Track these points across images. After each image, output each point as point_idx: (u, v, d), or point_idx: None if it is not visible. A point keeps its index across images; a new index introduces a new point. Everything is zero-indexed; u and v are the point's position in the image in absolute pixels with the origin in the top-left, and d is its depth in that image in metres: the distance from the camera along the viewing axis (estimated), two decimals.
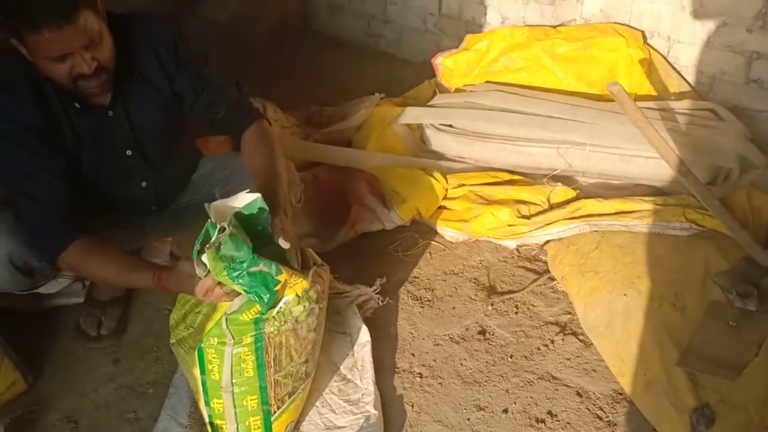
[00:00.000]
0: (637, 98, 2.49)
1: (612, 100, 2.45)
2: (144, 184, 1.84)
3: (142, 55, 1.66)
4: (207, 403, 1.47)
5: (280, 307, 1.40)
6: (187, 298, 1.51)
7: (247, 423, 1.47)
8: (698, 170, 2.09)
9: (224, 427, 1.48)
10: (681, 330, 1.68)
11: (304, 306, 1.43)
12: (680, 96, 2.56)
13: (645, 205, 2.08)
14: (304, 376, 1.53)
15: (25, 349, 1.84)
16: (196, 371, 1.44)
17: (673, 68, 2.65)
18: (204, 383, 1.44)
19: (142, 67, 1.67)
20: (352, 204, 2.28)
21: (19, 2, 1.39)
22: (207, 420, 1.51)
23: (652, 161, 2.22)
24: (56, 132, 1.60)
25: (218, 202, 1.38)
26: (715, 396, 1.51)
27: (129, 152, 1.75)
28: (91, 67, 1.49)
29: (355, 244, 2.23)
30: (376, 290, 1.92)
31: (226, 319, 1.39)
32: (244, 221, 1.36)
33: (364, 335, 1.80)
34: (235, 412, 1.45)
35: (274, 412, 1.48)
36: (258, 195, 1.37)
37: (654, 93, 2.60)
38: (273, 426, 1.50)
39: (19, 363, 1.78)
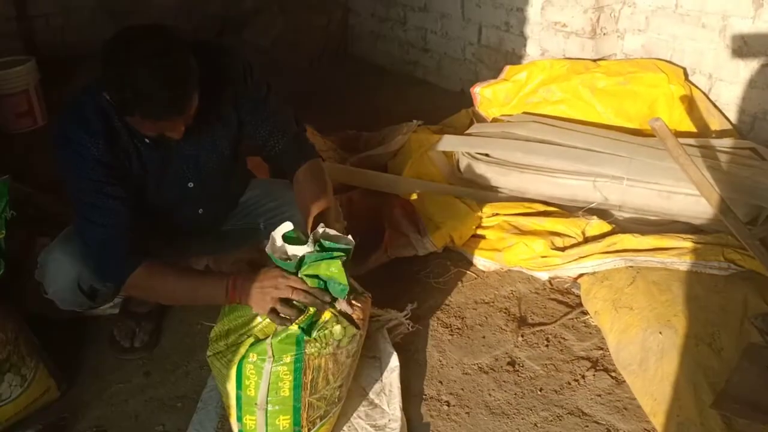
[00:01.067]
0: (678, 135, 2.47)
1: (651, 136, 2.44)
2: (200, 211, 1.87)
3: (217, 92, 1.65)
4: (239, 419, 1.48)
5: (320, 329, 1.42)
6: (234, 315, 1.52)
7: None
8: (738, 209, 2.06)
9: None
10: (717, 372, 1.64)
11: (344, 328, 1.44)
12: (721, 134, 2.54)
13: (682, 242, 2.05)
14: (337, 400, 1.53)
15: (60, 357, 1.88)
16: (231, 385, 1.45)
17: (715, 106, 2.63)
18: (239, 398, 1.45)
19: (216, 102, 1.67)
20: (385, 229, 2.30)
21: (142, 99, 1.41)
22: None
23: (691, 198, 2.19)
24: (122, 164, 1.62)
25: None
26: None
27: (191, 184, 1.77)
28: (181, 132, 1.54)
29: (387, 268, 2.23)
30: (406, 315, 1.91)
31: (272, 336, 1.42)
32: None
33: (394, 360, 1.80)
34: (267, 431, 1.46)
35: None
36: (291, 225, 1.49)
37: (694, 130, 2.58)
38: None
39: (53, 370, 1.82)
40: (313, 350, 1.41)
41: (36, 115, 3.23)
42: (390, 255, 2.25)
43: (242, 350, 1.43)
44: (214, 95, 1.63)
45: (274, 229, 1.60)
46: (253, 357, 1.41)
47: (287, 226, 1.48)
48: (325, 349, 1.42)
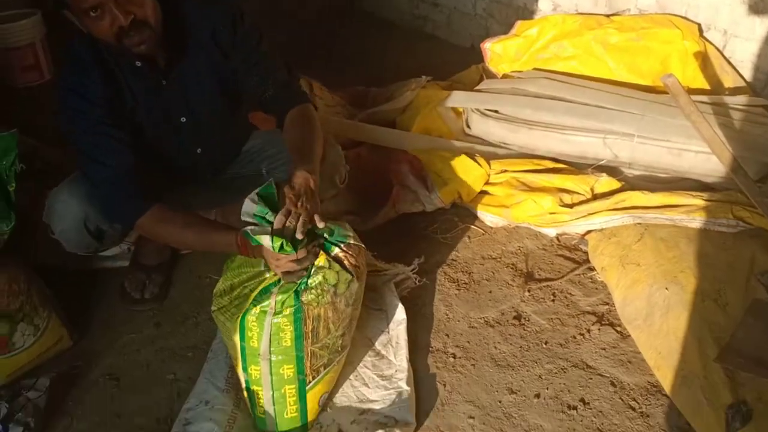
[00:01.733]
0: (690, 92, 2.43)
1: (663, 92, 2.40)
2: (199, 150, 1.89)
3: (199, 29, 1.70)
4: (245, 369, 1.51)
5: (316, 278, 1.44)
6: (239, 271, 1.54)
7: (282, 390, 1.50)
8: (749, 167, 2.04)
9: (260, 393, 1.52)
10: (722, 327, 1.65)
11: (337, 273, 1.46)
12: (734, 91, 2.50)
13: (692, 199, 2.04)
14: (339, 349, 1.56)
15: (72, 307, 1.91)
16: (236, 338, 1.48)
17: (729, 63, 2.58)
18: (243, 350, 1.48)
19: (199, 40, 1.71)
20: (393, 184, 2.29)
21: None
22: (244, 386, 1.55)
23: (702, 156, 2.17)
24: (119, 99, 1.66)
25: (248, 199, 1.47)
26: (753, 394, 1.49)
27: (183, 119, 1.80)
28: (126, 19, 1.51)
29: (394, 224, 2.24)
30: (413, 270, 1.92)
31: (274, 289, 1.44)
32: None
33: (400, 313, 1.82)
34: (272, 380, 1.49)
35: (309, 382, 1.51)
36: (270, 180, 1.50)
37: (707, 87, 2.54)
38: (307, 395, 1.53)
39: (65, 320, 1.85)
40: (311, 298, 1.43)
41: (42, 68, 3.20)
42: (398, 211, 2.25)
43: (245, 305, 1.46)
44: (197, 29, 1.69)
45: (275, 174, 1.60)
46: (255, 310, 1.44)
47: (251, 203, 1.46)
48: (323, 297, 1.44)
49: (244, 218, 1.44)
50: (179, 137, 1.83)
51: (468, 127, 2.58)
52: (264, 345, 1.45)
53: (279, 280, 1.47)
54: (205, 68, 1.75)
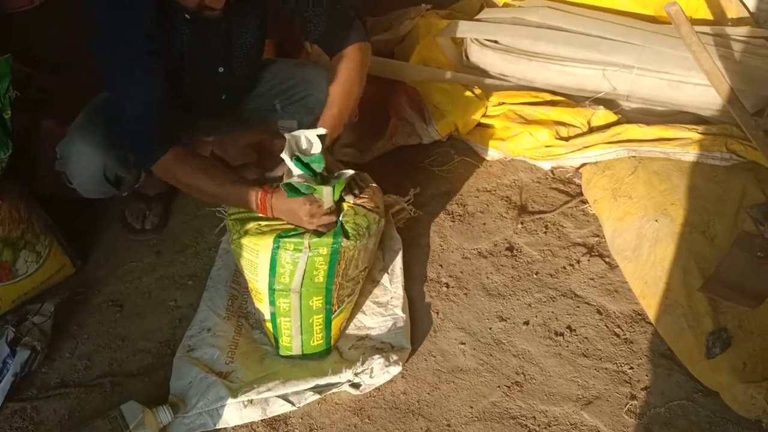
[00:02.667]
0: (693, 22, 2.38)
1: (666, 23, 2.36)
2: (224, 96, 1.84)
3: None
4: (272, 302, 1.54)
5: (350, 223, 1.49)
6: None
7: (310, 320, 1.56)
8: (747, 100, 2.02)
9: (288, 323, 1.56)
10: (708, 258, 1.69)
11: (365, 215, 1.51)
12: (737, 22, 2.45)
13: (687, 133, 2.05)
14: (360, 280, 1.62)
15: (74, 236, 1.95)
16: (262, 272, 1.49)
17: None
18: (271, 285, 1.51)
19: None
20: (391, 116, 2.29)
21: None
22: (267, 317, 1.58)
23: (700, 88, 2.15)
24: (165, 40, 1.57)
25: (296, 133, 1.46)
26: (734, 322, 1.54)
27: (221, 69, 1.73)
28: (221, 2, 1.48)
29: (391, 156, 2.25)
30: (408, 200, 1.95)
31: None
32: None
33: (396, 243, 1.86)
34: (301, 312, 1.54)
35: (335, 311, 1.58)
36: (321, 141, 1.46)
37: (711, 18, 2.49)
38: (332, 323, 1.60)
39: (67, 248, 1.89)
40: (349, 243, 1.48)
41: None
42: (395, 143, 2.26)
43: (267, 239, 1.47)
44: None
45: (290, 110, 1.63)
46: (289, 246, 1.45)
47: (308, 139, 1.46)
48: (359, 241, 1.49)
49: (285, 155, 1.41)
50: (211, 85, 1.77)
51: (467, 57, 2.54)
52: (296, 281, 1.49)
53: None
54: (252, 14, 1.68)
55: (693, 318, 1.57)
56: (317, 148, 1.44)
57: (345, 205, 1.53)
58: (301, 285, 1.50)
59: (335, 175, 1.49)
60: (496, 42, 2.47)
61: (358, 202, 1.55)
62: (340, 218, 1.51)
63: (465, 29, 2.57)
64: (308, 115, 1.84)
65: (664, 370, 1.57)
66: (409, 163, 2.24)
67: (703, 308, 1.58)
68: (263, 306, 1.57)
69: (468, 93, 2.28)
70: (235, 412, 1.52)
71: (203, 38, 1.64)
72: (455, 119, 2.24)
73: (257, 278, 1.53)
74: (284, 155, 1.42)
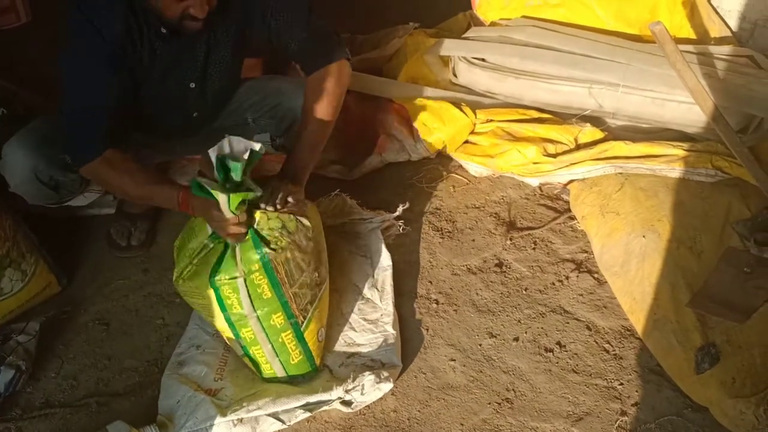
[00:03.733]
0: (677, 41, 2.42)
1: (650, 42, 2.40)
2: (195, 114, 1.86)
3: None
4: (237, 336, 1.52)
5: (263, 228, 1.46)
6: (185, 251, 1.53)
7: (279, 339, 1.53)
8: (731, 117, 2.05)
9: (260, 351, 1.54)
10: (695, 273, 1.70)
11: (278, 217, 1.47)
12: (720, 41, 2.49)
13: (673, 149, 2.07)
14: (318, 282, 1.57)
15: (60, 255, 1.93)
16: (216, 312, 1.48)
17: (716, 12, 2.57)
18: (228, 320, 1.48)
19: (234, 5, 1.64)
20: (379, 133, 2.30)
21: None
22: (241, 352, 1.56)
23: (685, 106, 2.19)
24: (132, 50, 1.60)
25: (236, 138, 1.42)
26: (722, 337, 1.55)
27: (192, 85, 1.76)
28: (204, 11, 1.50)
29: (380, 173, 2.26)
30: (397, 215, 1.94)
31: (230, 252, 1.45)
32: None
33: (386, 260, 1.85)
34: (266, 334, 1.51)
35: (302, 323, 1.54)
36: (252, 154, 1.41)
37: (694, 36, 2.54)
38: (305, 336, 1.56)
39: (53, 266, 1.87)
40: (270, 247, 1.44)
41: (19, 11, 3.11)
42: (383, 160, 2.26)
43: (205, 277, 1.44)
44: None
45: (261, 122, 1.62)
46: (223, 278, 1.43)
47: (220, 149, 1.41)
48: (280, 241, 1.45)
49: (209, 156, 1.39)
50: (181, 101, 1.79)
51: (455, 75, 2.57)
52: (246, 305, 1.46)
53: (226, 246, 1.46)
54: (229, 32, 1.69)
55: (682, 333, 1.57)
56: (244, 157, 1.41)
57: (257, 214, 1.48)
58: (254, 308, 1.46)
59: (251, 189, 1.44)
60: (483, 60, 2.49)
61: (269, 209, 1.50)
62: (255, 226, 1.46)
63: (453, 47, 2.59)
64: (280, 123, 1.86)
65: (653, 386, 1.58)
66: (398, 180, 2.24)
67: (692, 323, 1.58)
68: (233, 342, 1.55)
69: (456, 110, 2.29)
70: (224, 431, 1.50)
71: (176, 54, 1.66)
72: (444, 136, 2.25)
73: (214, 317, 1.50)
74: (211, 152, 1.39)
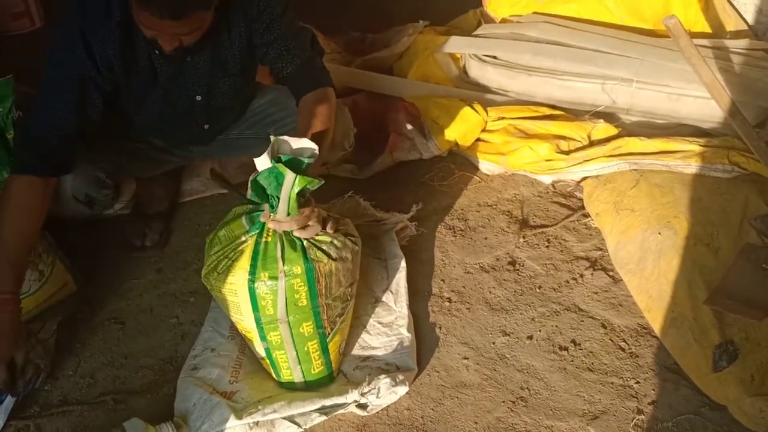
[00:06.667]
0: (691, 35, 2.40)
1: (664, 36, 2.38)
2: (206, 126, 1.87)
3: (227, 9, 1.60)
4: (263, 338, 1.50)
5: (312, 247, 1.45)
6: (219, 247, 1.51)
7: (305, 348, 1.52)
8: (747, 112, 2.03)
9: (284, 356, 1.53)
10: (713, 270, 1.68)
11: (334, 239, 1.48)
12: (736, 35, 2.47)
13: (688, 145, 2.05)
14: (349, 297, 1.57)
15: (76, 255, 1.94)
16: (245, 310, 1.46)
17: (731, 5, 2.54)
18: (258, 320, 1.46)
19: (226, 20, 1.63)
20: (390, 132, 2.29)
21: None
22: (263, 355, 1.55)
23: (700, 101, 2.17)
24: (133, 64, 1.59)
25: (282, 138, 1.40)
26: (741, 334, 1.53)
27: (198, 98, 1.76)
28: (172, 46, 1.50)
29: (391, 172, 2.25)
30: (410, 216, 1.94)
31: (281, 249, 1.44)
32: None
33: (400, 262, 1.84)
34: (293, 341, 1.50)
35: (328, 334, 1.53)
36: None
37: (709, 30, 2.51)
38: (329, 347, 1.56)
39: (70, 267, 1.88)
40: (319, 255, 1.44)
41: (33, 15, 3.14)
42: (395, 159, 2.26)
43: (240, 276, 1.43)
44: (225, 11, 1.59)
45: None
46: (264, 277, 1.41)
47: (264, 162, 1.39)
48: (330, 254, 1.45)
49: (260, 162, 1.37)
50: (188, 114, 1.80)
51: (466, 73, 2.56)
52: (281, 309, 1.44)
53: (266, 246, 1.44)
54: (231, 47, 1.68)
55: (699, 331, 1.56)
56: (309, 153, 1.39)
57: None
58: (287, 312, 1.45)
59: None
60: (495, 57, 2.48)
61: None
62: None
63: (463, 45, 2.59)
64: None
65: (670, 384, 1.56)
66: (410, 179, 2.24)
67: (709, 321, 1.57)
68: (256, 344, 1.54)
69: (467, 108, 2.28)
70: None
71: (176, 70, 1.66)
72: (455, 134, 2.24)
73: (243, 317, 1.49)
74: (263, 157, 1.36)
